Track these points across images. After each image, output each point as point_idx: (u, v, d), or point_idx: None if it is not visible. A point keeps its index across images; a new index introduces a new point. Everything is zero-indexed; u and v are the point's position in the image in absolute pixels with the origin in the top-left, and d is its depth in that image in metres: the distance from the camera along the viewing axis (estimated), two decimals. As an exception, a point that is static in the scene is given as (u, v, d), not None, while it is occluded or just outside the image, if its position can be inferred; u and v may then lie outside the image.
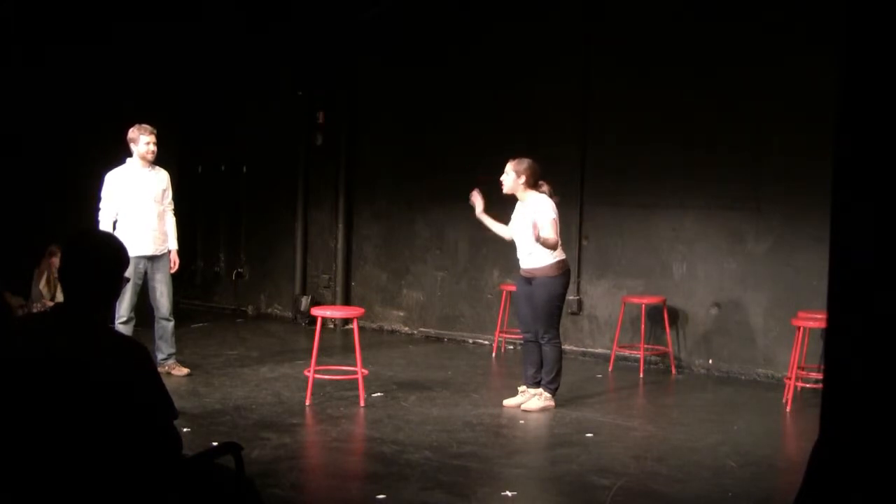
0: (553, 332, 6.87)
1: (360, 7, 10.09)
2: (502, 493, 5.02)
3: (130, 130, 7.52)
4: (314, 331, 7.22)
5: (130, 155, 7.57)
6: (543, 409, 6.86)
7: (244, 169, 11.17)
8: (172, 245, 7.69)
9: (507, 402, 7.03)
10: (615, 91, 8.77)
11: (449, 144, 9.73)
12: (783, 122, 8.00)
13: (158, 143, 7.58)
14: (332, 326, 10.14)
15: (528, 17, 9.23)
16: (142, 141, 7.47)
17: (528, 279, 6.91)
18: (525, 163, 6.85)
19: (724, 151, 8.28)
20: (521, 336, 7.27)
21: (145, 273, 7.51)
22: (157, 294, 7.57)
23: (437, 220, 9.96)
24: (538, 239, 6.61)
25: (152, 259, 7.52)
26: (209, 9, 10.69)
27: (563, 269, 6.85)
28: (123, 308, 7.37)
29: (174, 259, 7.69)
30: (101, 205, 7.49)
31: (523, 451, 5.99)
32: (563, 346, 7.18)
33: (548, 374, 6.91)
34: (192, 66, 10.80)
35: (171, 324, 7.65)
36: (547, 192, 6.90)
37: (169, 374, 7.53)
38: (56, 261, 8.62)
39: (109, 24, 9.69)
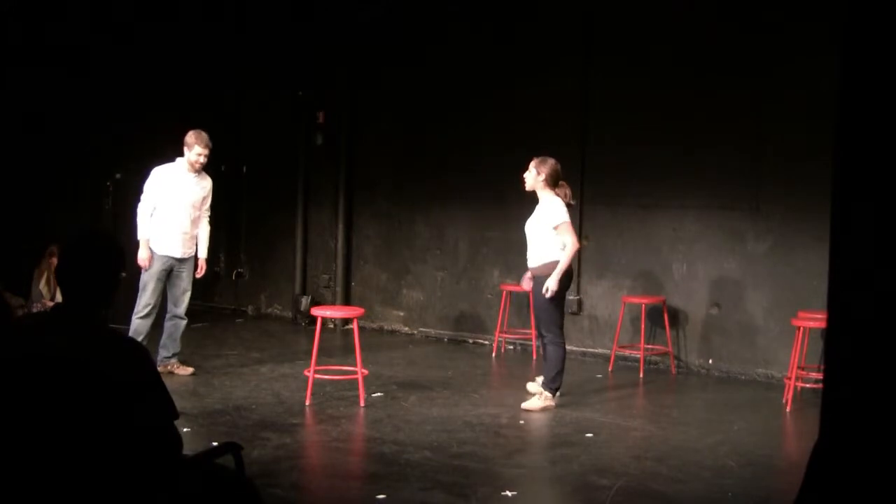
0: (554, 331, 6.86)
1: (359, 7, 10.10)
2: (502, 493, 5.02)
3: (189, 134, 7.45)
4: (314, 331, 7.22)
5: (181, 154, 7.53)
6: (543, 409, 6.85)
7: (244, 169, 11.18)
8: (202, 253, 7.71)
9: (525, 405, 6.94)
10: (615, 91, 8.77)
11: (449, 144, 9.73)
12: (783, 122, 8.00)
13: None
14: (332, 326, 10.14)
15: (528, 16, 9.23)
16: (195, 150, 7.43)
17: (533, 279, 6.94)
18: (548, 162, 6.97)
19: (724, 151, 8.28)
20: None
21: (171, 270, 7.54)
22: (179, 292, 7.60)
23: (437, 220, 9.95)
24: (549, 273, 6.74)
25: (180, 260, 7.56)
26: (209, 9, 10.69)
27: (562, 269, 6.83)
28: (143, 303, 7.43)
29: (201, 266, 7.73)
30: (143, 197, 7.50)
31: (523, 451, 5.99)
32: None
33: (548, 373, 6.89)
34: (192, 67, 10.80)
35: (184, 322, 7.68)
36: (563, 194, 6.96)
37: (171, 373, 7.52)
38: (56, 261, 8.62)
39: (110, 25, 9.70)
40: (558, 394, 6.95)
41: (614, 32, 8.82)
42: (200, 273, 7.74)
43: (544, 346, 6.95)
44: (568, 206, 6.95)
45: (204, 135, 7.46)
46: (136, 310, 7.42)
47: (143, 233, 7.43)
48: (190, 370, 7.71)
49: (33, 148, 9.41)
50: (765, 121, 8.08)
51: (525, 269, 7.09)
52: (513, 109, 9.28)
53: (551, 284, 6.68)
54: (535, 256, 6.91)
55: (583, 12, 8.94)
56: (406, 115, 10.08)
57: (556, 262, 6.77)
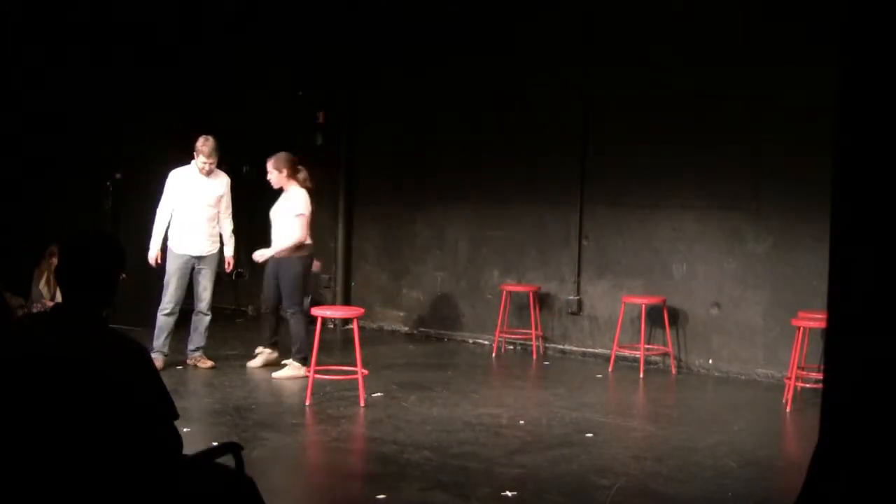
0: (295, 307, 7.57)
1: (360, 7, 10.09)
2: (502, 493, 5.02)
3: (198, 140, 7.75)
4: (314, 331, 7.23)
5: (185, 154, 7.82)
6: (292, 378, 7.46)
7: (244, 169, 11.16)
8: (227, 251, 8.07)
9: (251, 363, 7.83)
10: (615, 91, 8.77)
11: (449, 144, 9.73)
12: (783, 122, 7.99)
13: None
14: (332, 326, 10.13)
15: (529, 17, 9.23)
16: (199, 159, 7.75)
17: (277, 260, 7.63)
18: (282, 157, 7.66)
19: (724, 151, 8.28)
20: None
21: (192, 269, 7.84)
22: (200, 289, 7.92)
23: (437, 220, 9.95)
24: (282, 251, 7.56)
25: (199, 258, 7.85)
26: (209, 9, 10.68)
27: (302, 250, 7.59)
28: (166, 300, 7.74)
29: (228, 261, 8.12)
30: (161, 201, 7.82)
31: (523, 451, 5.98)
32: (310, 319, 7.57)
33: (294, 344, 7.58)
34: (191, 67, 10.78)
35: (208, 318, 7.99)
36: (304, 178, 7.67)
37: (195, 366, 7.88)
38: (56, 261, 8.61)
39: (109, 24, 9.68)
40: (307, 363, 7.33)
41: (614, 32, 8.81)
42: (228, 268, 8.19)
43: (276, 316, 7.80)
44: (308, 190, 7.63)
45: (210, 143, 7.73)
46: (160, 307, 7.78)
47: (154, 237, 7.78)
48: (210, 363, 7.96)
49: (33, 148, 9.40)
50: (765, 121, 8.08)
51: None
52: (513, 109, 9.28)
53: (258, 255, 7.63)
54: (278, 241, 7.63)
55: (583, 12, 8.93)
56: (406, 115, 10.07)
57: (297, 245, 7.51)
